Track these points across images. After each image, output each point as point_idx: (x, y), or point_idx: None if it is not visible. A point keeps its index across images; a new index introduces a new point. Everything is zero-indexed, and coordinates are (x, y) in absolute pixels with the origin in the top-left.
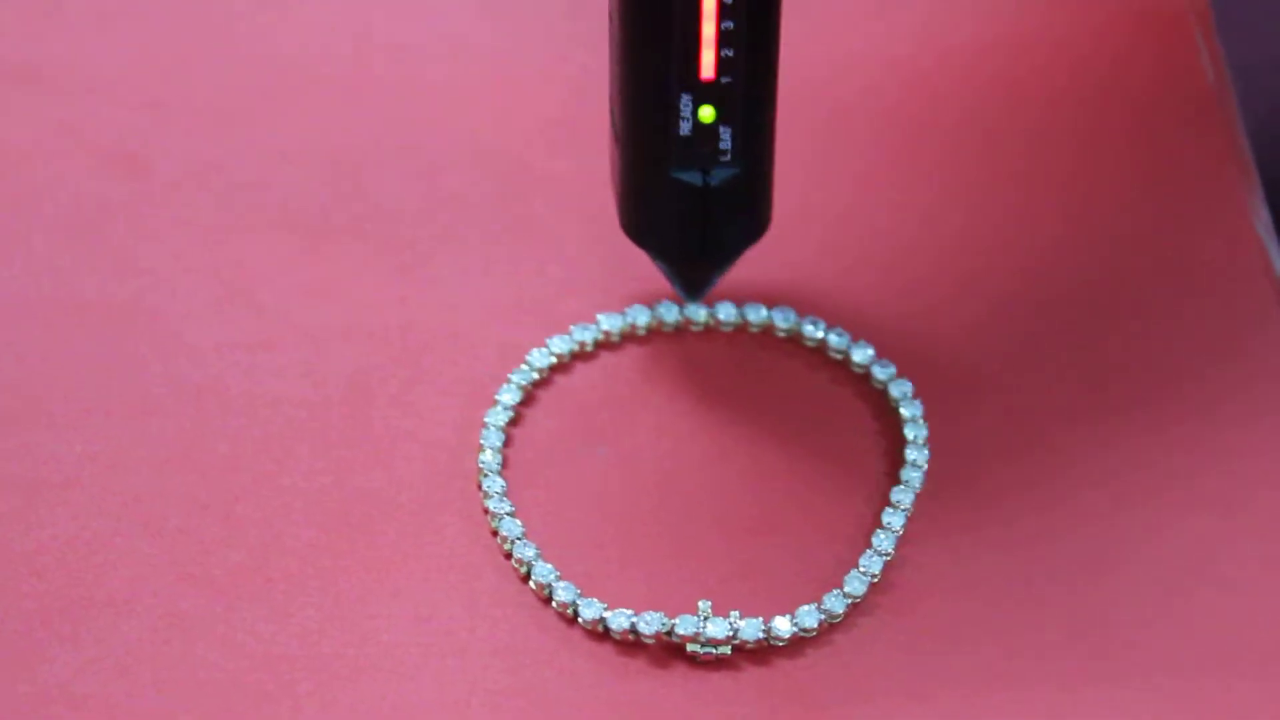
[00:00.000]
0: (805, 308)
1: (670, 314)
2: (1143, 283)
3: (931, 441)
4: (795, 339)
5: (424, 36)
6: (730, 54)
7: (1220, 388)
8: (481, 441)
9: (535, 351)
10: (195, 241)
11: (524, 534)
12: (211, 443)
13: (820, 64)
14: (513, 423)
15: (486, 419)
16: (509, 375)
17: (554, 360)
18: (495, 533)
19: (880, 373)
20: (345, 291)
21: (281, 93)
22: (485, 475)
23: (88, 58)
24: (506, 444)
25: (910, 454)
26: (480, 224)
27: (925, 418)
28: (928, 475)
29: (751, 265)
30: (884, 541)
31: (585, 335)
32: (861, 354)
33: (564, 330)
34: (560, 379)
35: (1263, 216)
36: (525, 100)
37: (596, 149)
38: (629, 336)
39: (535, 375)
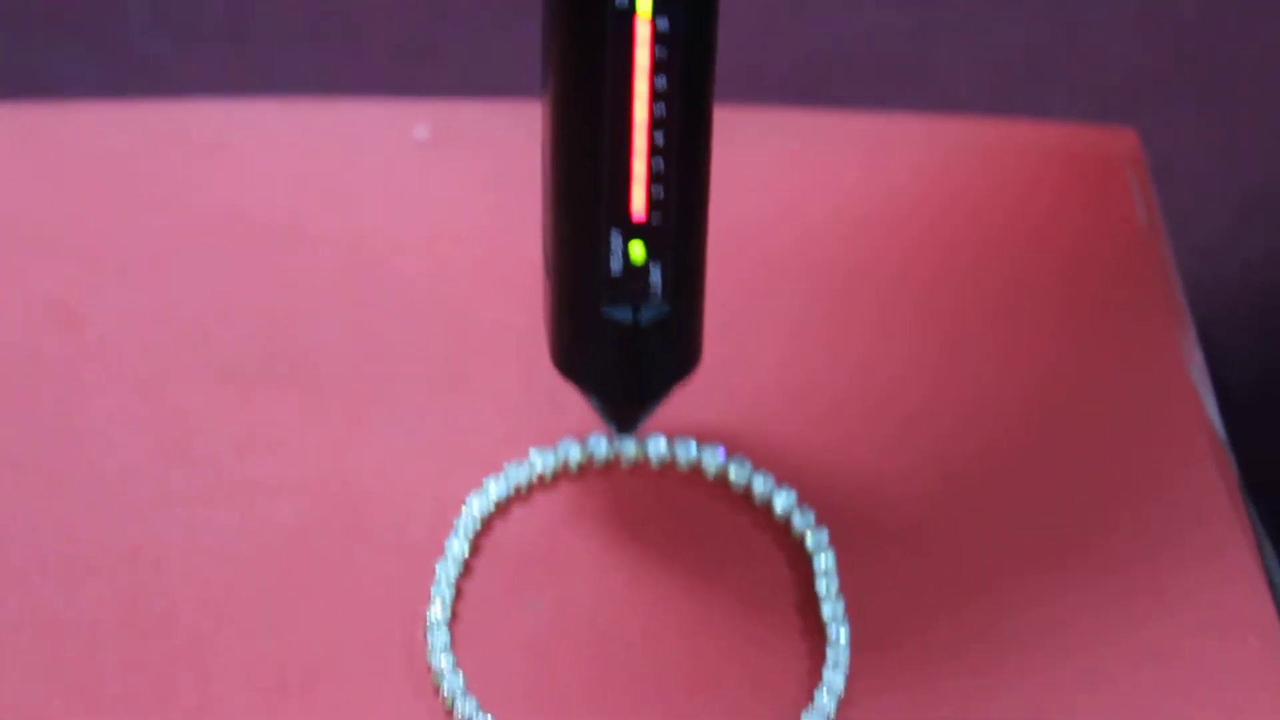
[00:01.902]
0: (737, 445)
1: (601, 449)
2: (1076, 427)
3: (864, 591)
4: (722, 481)
5: (361, 186)
6: (660, 193)
7: (1155, 536)
8: (432, 593)
9: (474, 499)
10: (131, 395)
11: (465, 687)
12: (148, 602)
13: (752, 208)
14: (464, 575)
15: (438, 570)
16: (454, 523)
17: (493, 509)
18: (437, 690)
19: (799, 521)
20: (283, 444)
21: (217, 244)
22: (430, 628)
23: (22, 210)
24: (458, 596)
25: (825, 608)
26: (416, 372)
27: (841, 569)
28: (861, 625)
29: (687, 400)
30: (826, 701)
31: (519, 475)
32: (782, 501)
33: (498, 468)
34: (499, 525)
35: (1196, 360)
36: (462, 248)
37: (532, 296)
38: (561, 475)
39: (479, 525)
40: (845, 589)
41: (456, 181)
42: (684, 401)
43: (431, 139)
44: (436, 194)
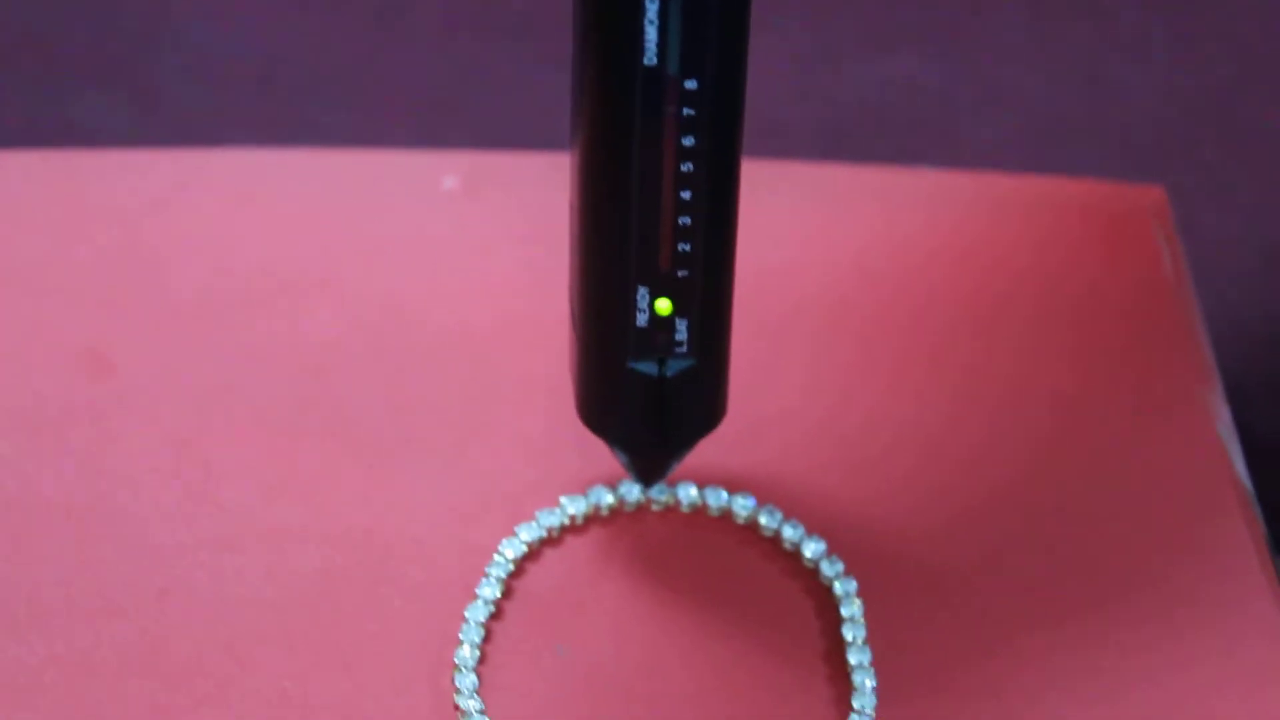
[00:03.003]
0: (768, 496)
1: (632, 494)
2: (1103, 481)
3: (890, 642)
4: (752, 527)
5: (390, 236)
6: (687, 248)
7: (1181, 591)
8: (461, 637)
9: (507, 543)
10: (160, 441)
11: None
12: (174, 645)
13: (777, 260)
14: (493, 617)
15: (466, 614)
16: (487, 569)
17: (525, 550)
18: None
19: (827, 569)
20: (311, 492)
21: (246, 292)
22: (459, 671)
23: (53, 256)
24: (486, 639)
25: (851, 656)
26: (444, 421)
27: (867, 617)
28: (888, 675)
29: (720, 450)
30: None
31: (551, 520)
32: (812, 548)
33: (527, 515)
34: (530, 567)
35: (1224, 417)
36: (490, 299)
37: (559, 343)
38: (592, 518)
39: (510, 567)
40: (872, 639)
41: (485, 232)
42: (712, 450)
43: (460, 189)
44: (465, 244)
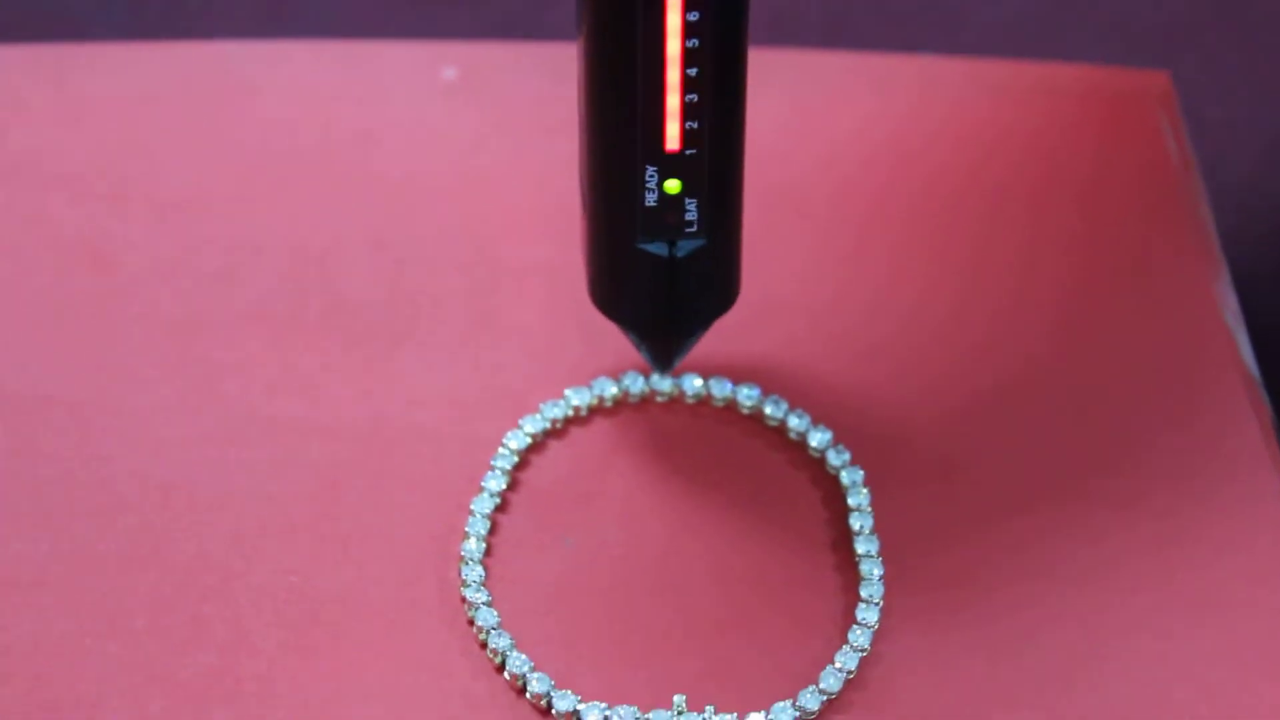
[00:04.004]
0: (772, 385)
1: (636, 385)
2: (1110, 368)
3: (898, 531)
4: (757, 417)
5: (389, 128)
6: (695, 126)
7: (1188, 477)
8: (467, 529)
9: (511, 434)
10: (160, 336)
11: (499, 624)
12: (179, 540)
13: (785, 149)
14: (498, 509)
15: (472, 506)
16: (492, 461)
17: (530, 441)
18: (471, 622)
19: (834, 458)
20: (314, 385)
21: (247, 186)
22: (465, 563)
23: (51, 152)
24: (491, 531)
25: (859, 545)
26: (447, 315)
27: (875, 505)
28: (895, 562)
29: (723, 339)
30: (860, 638)
31: (555, 412)
32: (818, 438)
33: (532, 408)
34: (535, 459)
35: (1230, 303)
36: (491, 190)
37: (562, 236)
38: (596, 410)
39: (515, 459)
40: (879, 527)
41: (484, 123)
42: (717, 340)
43: (460, 80)
44: (464, 136)
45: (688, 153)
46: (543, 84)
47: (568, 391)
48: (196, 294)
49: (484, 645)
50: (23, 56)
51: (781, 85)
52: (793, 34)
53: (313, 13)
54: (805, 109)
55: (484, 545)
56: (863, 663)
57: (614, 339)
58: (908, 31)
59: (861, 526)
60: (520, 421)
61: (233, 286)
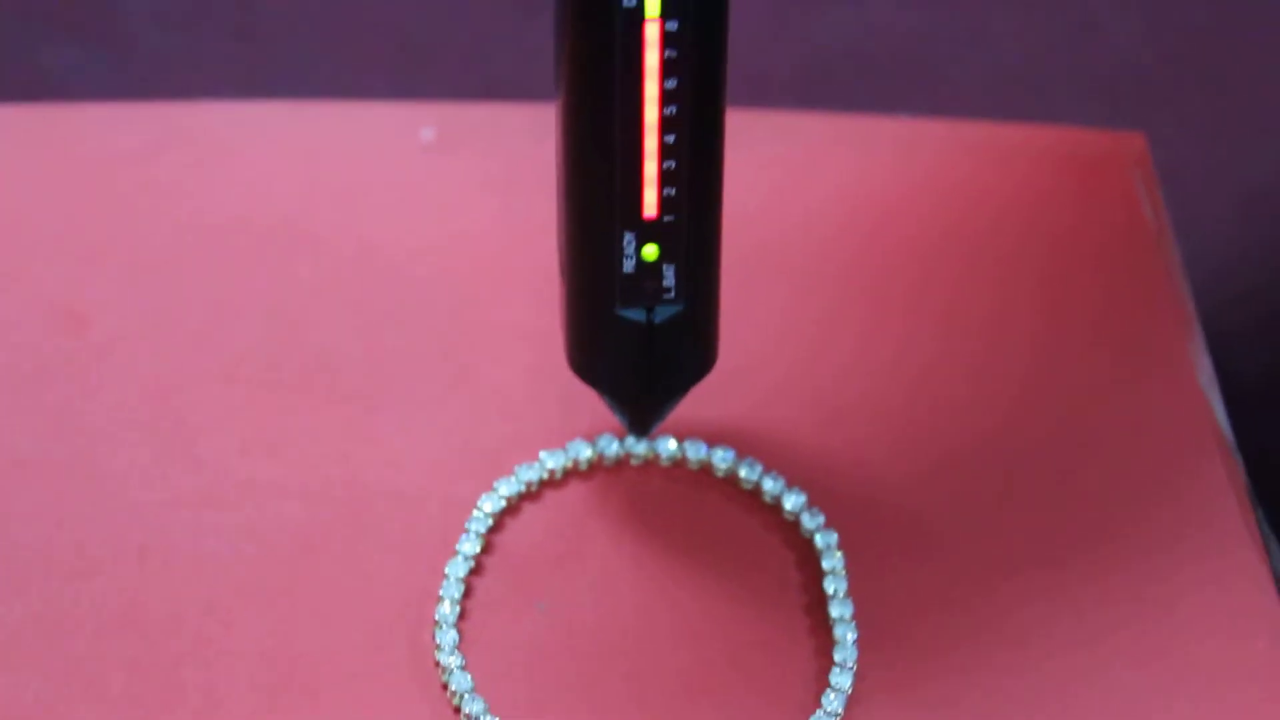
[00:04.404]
0: (748, 448)
1: (611, 448)
2: (1084, 430)
3: (873, 595)
4: (732, 480)
5: (368, 188)
6: (672, 193)
7: (1162, 539)
8: (441, 593)
9: (486, 498)
10: (136, 396)
11: (473, 688)
12: (154, 604)
13: (761, 210)
14: (472, 572)
15: (446, 570)
16: (466, 524)
17: (504, 505)
18: (445, 686)
19: (808, 521)
20: (289, 446)
21: (223, 247)
22: (439, 627)
23: (28, 211)
24: (465, 594)
25: (834, 609)
26: (424, 376)
27: (849, 570)
28: (869, 627)
29: (699, 402)
30: (833, 702)
31: (530, 475)
32: (792, 501)
33: (507, 470)
34: (510, 522)
35: (1204, 366)
36: (469, 250)
37: (540, 297)
38: (571, 472)
39: (490, 522)
40: (853, 591)
41: (463, 184)
42: (693, 403)
43: (438, 141)
44: (443, 197)
45: (665, 219)
46: (520, 144)
47: (542, 454)
48: (173, 355)
49: (458, 710)
50: (1, 116)
51: (759, 146)
52: (770, 95)
53: (292, 73)
54: (782, 170)
55: (459, 609)
56: None
57: (591, 402)
58: (885, 92)
59: (836, 590)
60: (495, 484)
61: (209, 348)
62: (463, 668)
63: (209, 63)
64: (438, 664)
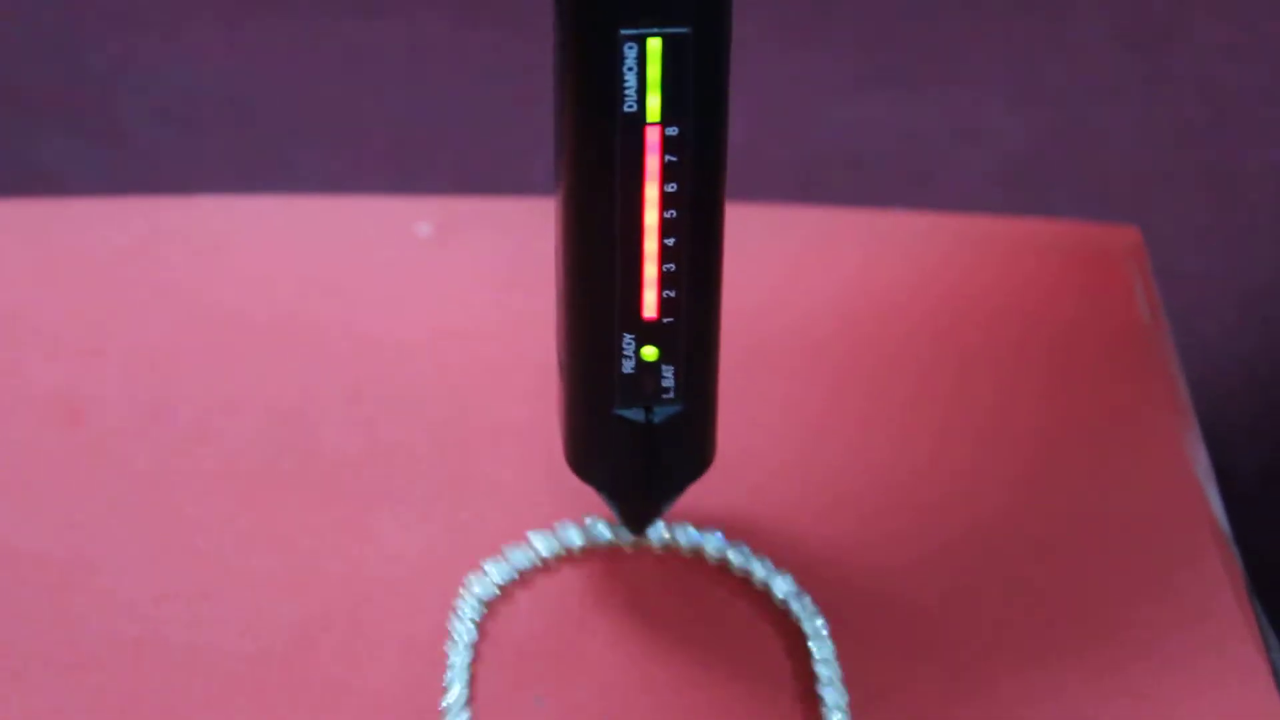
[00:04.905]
0: (739, 533)
1: (603, 533)
2: (1080, 523)
3: (862, 681)
4: (723, 566)
5: (364, 283)
6: (672, 295)
7: (1159, 634)
8: (447, 678)
9: (474, 581)
10: (133, 491)
11: None
12: (150, 698)
13: (753, 302)
14: (473, 661)
15: (449, 654)
16: (455, 604)
17: (497, 592)
18: None
19: (797, 608)
20: (286, 542)
21: (219, 341)
22: (449, 712)
23: (22, 306)
24: (471, 681)
25: (827, 695)
26: (419, 470)
27: (841, 656)
28: (862, 716)
29: (692, 490)
30: None
31: (520, 559)
32: (781, 588)
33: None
34: (502, 608)
35: (1200, 459)
36: (466, 345)
37: (538, 392)
38: (564, 559)
39: (482, 609)
40: (846, 678)
41: (460, 278)
42: (688, 491)
43: (434, 236)
44: (439, 291)
45: (665, 321)
46: (518, 239)
47: (531, 535)
48: (170, 450)
49: None
50: None
51: (756, 240)
52: (766, 191)
53: (288, 168)
54: (780, 263)
55: (467, 692)
56: None
57: (589, 498)
58: (877, 186)
59: (827, 676)
60: (484, 565)
61: (206, 442)
62: None
63: (206, 155)
64: None
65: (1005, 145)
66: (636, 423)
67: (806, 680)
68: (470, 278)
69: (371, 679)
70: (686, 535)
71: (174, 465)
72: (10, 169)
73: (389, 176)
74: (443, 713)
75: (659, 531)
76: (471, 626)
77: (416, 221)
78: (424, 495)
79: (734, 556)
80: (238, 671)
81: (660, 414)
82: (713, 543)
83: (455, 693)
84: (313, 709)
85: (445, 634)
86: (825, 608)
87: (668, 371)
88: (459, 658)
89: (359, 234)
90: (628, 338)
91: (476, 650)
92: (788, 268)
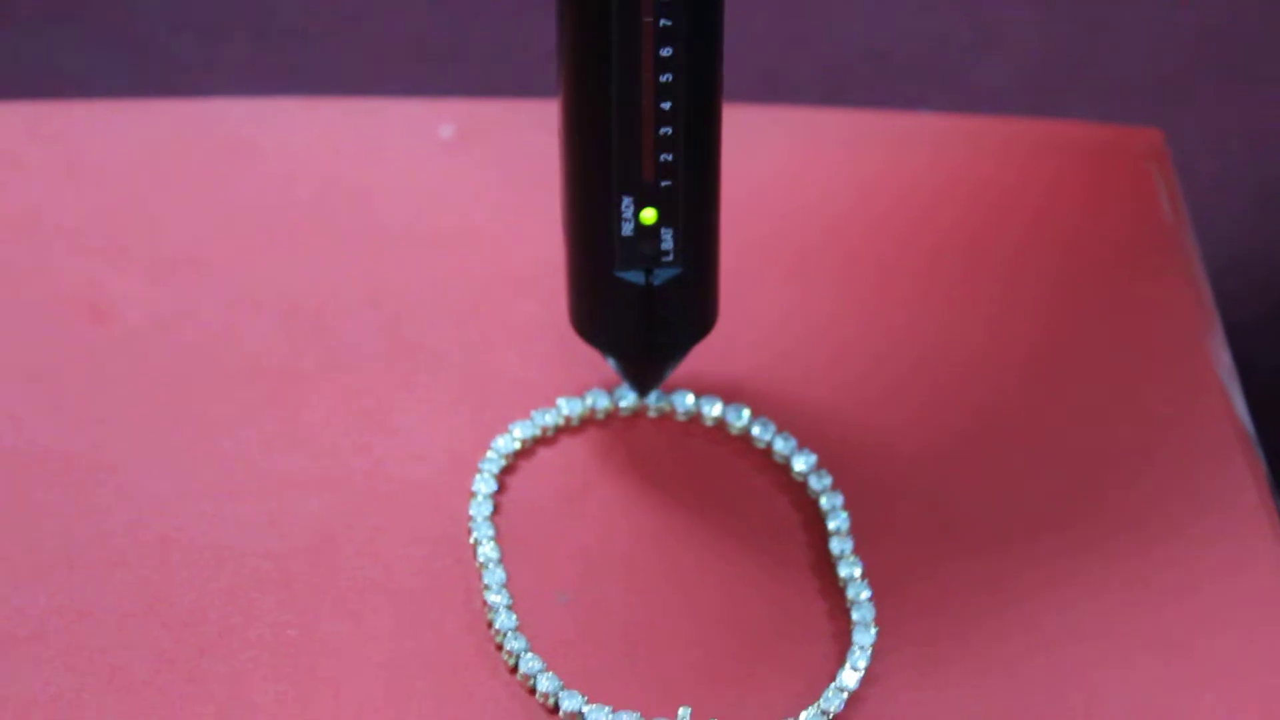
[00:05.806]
0: (762, 406)
1: (627, 399)
2: (1104, 422)
3: (881, 560)
4: (745, 438)
5: (387, 184)
6: (670, 158)
7: (1181, 528)
8: (474, 534)
9: (499, 439)
10: (157, 390)
11: (517, 627)
12: (176, 595)
13: (777, 201)
14: (494, 512)
15: (472, 510)
16: (479, 465)
17: (518, 446)
18: (490, 624)
19: (815, 483)
20: (309, 439)
21: (245, 241)
22: (485, 567)
23: (50, 208)
24: (497, 535)
25: (842, 569)
26: (444, 369)
27: (856, 532)
28: (877, 588)
29: (713, 359)
30: (858, 659)
31: (546, 420)
32: (802, 462)
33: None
34: (524, 465)
35: (1224, 360)
36: (488, 244)
37: (557, 292)
38: (589, 420)
39: (504, 462)
40: (862, 555)
41: (482, 179)
42: (710, 360)
43: (457, 137)
44: (462, 191)
45: (663, 184)
46: (539, 140)
47: (560, 400)
48: (194, 348)
49: (499, 648)
50: (23, 114)
51: (775, 142)
52: (788, 95)
53: (311, 70)
54: (798, 163)
55: (497, 549)
56: (862, 681)
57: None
58: (900, 88)
59: (842, 550)
60: (510, 426)
61: (230, 341)
62: (509, 608)
63: (225, 61)
64: (485, 603)
65: (1027, 47)
66: (636, 285)
67: (821, 551)
68: (493, 178)
69: (396, 573)
70: (712, 406)
71: (197, 363)
72: (34, 75)
73: (413, 79)
74: (483, 563)
75: (685, 401)
76: (490, 479)
77: (439, 123)
78: (449, 392)
79: (758, 430)
80: (261, 568)
81: (660, 276)
82: (736, 415)
83: (488, 545)
84: (337, 605)
85: (467, 529)
86: (841, 483)
87: (666, 234)
88: (478, 510)
89: (382, 136)
90: (626, 200)
91: (496, 504)
92: (805, 167)
